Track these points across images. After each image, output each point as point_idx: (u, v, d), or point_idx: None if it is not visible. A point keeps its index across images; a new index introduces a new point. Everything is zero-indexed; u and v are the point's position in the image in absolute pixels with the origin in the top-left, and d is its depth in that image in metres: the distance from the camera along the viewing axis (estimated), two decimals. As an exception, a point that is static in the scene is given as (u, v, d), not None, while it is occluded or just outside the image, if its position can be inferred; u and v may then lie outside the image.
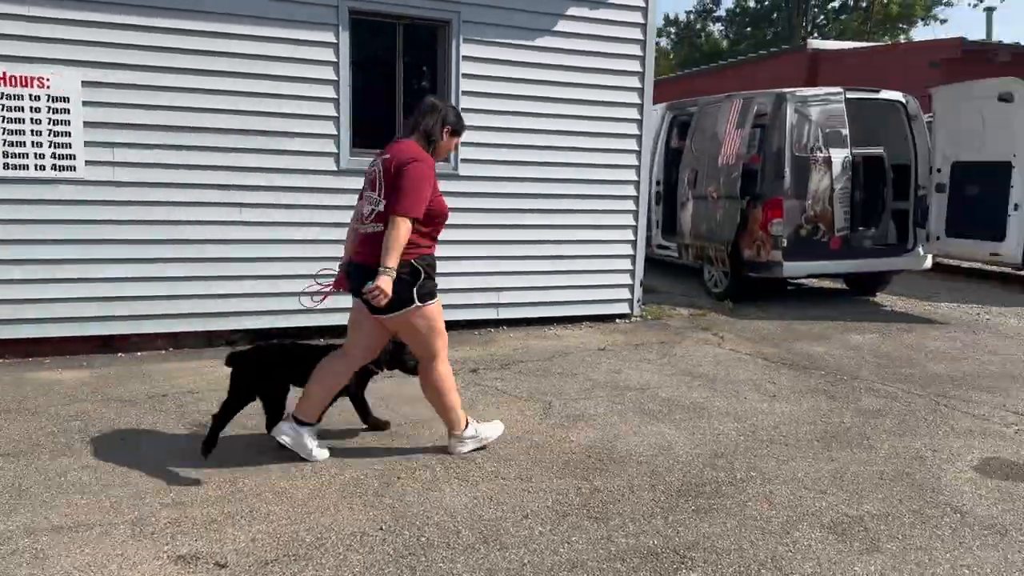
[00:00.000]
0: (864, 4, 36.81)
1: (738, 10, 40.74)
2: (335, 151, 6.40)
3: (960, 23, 64.62)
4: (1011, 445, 4.31)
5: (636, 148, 7.36)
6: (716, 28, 42.66)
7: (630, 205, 7.42)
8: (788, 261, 7.86)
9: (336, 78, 6.35)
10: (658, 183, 9.65)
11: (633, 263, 7.50)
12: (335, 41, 6.33)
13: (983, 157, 7.70)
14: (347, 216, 6.45)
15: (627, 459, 4.02)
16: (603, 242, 7.34)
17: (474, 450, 4.09)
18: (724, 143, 8.38)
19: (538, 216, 7.08)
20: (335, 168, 6.42)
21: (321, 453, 3.94)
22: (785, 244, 7.85)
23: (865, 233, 8.36)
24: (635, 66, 7.24)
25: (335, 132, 6.39)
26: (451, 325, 6.86)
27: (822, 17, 38.86)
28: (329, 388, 3.93)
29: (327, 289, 4.07)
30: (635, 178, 7.39)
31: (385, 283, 3.48)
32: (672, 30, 43.06)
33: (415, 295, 3.65)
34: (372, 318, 3.76)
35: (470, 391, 5.20)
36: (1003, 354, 6.44)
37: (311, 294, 4.47)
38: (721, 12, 41.93)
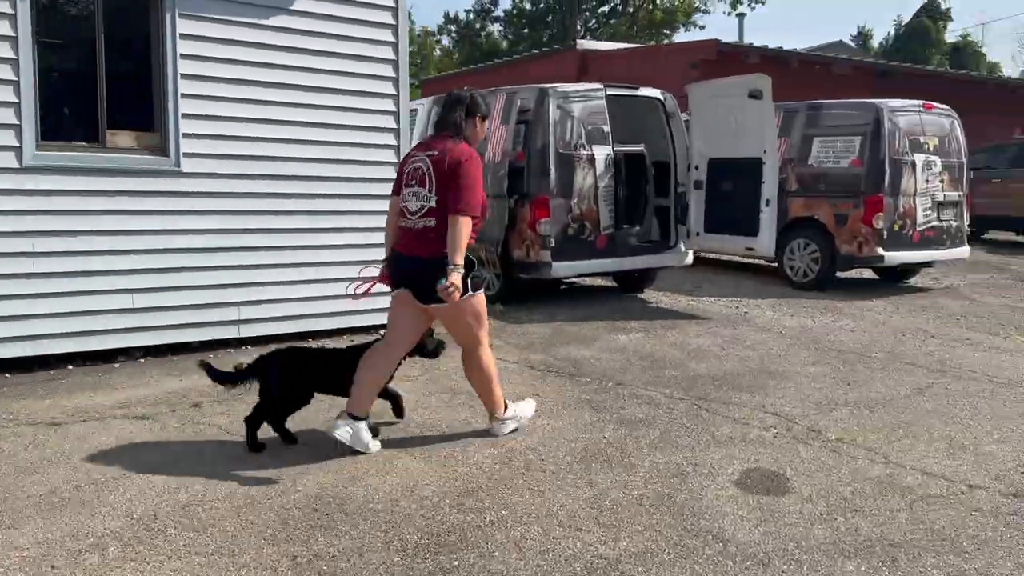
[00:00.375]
0: (631, 9, 38.74)
1: (515, 11, 41.46)
2: (15, 144, 5.23)
3: (719, 28, 70.06)
4: (771, 452, 4.15)
5: (394, 143, 6.75)
6: (496, 28, 43.21)
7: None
8: (557, 261, 7.59)
9: (15, 56, 5.21)
10: (427, 181, 9.11)
11: (395, 268, 6.88)
12: (12, 12, 5.18)
13: (737, 154, 7.85)
14: (38, 223, 5.33)
15: (361, 509, 3.39)
16: (364, 246, 6.64)
17: (514, 430, 4.32)
18: (490, 140, 7.98)
19: (283, 219, 6.27)
20: (16, 165, 5.25)
21: (375, 445, 4.03)
22: (553, 244, 7.58)
23: (630, 231, 8.31)
24: (387, 53, 6.62)
25: (15, 122, 5.23)
26: (180, 348, 6.01)
27: (593, 21, 40.45)
28: (377, 380, 4.07)
29: (367, 284, 4.20)
30: (394, 176, 6.76)
31: (458, 279, 3.74)
32: (453, 28, 43.06)
33: (468, 285, 3.90)
34: (417, 309, 3.99)
35: (187, 429, 4.34)
36: (761, 349, 6.50)
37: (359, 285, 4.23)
38: (499, 12, 42.49)
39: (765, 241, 7.70)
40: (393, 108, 6.69)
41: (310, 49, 6.25)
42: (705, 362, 6.02)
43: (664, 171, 8.48)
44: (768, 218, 7.64)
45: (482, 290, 4.09)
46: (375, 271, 4.28)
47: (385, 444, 4.11)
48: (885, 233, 8.87)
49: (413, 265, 3.93)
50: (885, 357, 6.27)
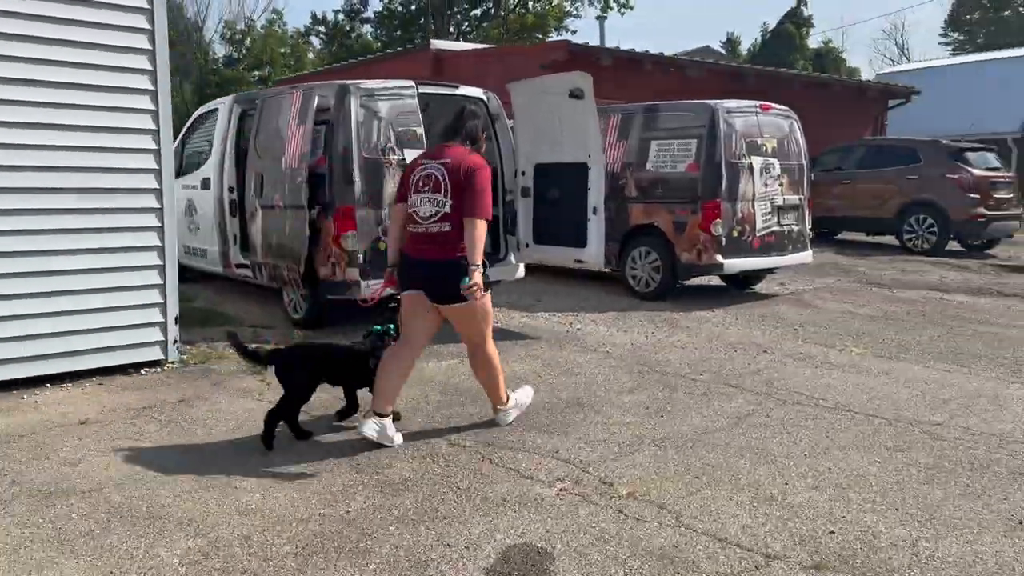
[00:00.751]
0: (503, 13, 38.31)
1: (386, 12, 40.34)
2: None
3: (591, 34, 70.47)
4: (545, 519, 3.44)
5: (154, 147, 5.75)
6: (367, 29, 41.93)
7: (151, 220, 5.79)
8: (368, 280, 6.75)
9: None
10: (231, 190, 8.08)
11: (163, 294, 5.88)
12: None
13: (562, 158, 7.25)
14: None
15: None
16: (113, 269, 5.63)
17: (516, 418, 4.64)
18: (288, 143, 7.06)
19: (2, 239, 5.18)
20: None
21: (399, 438, 4.30)
22: (362, 260, 6.74)
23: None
24: (140, 42, 5.61)
25: None
26: None
27: (466, 24, 39.82)
28: (401, 377, 4.33)
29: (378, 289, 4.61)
30: (155, 185, 5.77)
31: (479, 278, 4.01)
32: (321, 29, 41.49)
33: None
34: (428, 308, 4.26)
35: None
36: (580, 374, 5.87)
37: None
38: (369, 14, 41.25)
39: (594, 252, 7.10)
40: (151, 106, 5.69)
41: (36, 37, 5.19)
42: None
43: (492, 178, 7.77)
44: (596, 227, 7.05)
45: (490, 290, 4.33)
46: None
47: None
48: (724, 240, 8.47)
49: (429, 268, 4.20)
50: (710, 378, 5.75)
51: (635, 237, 9.07)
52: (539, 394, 5.30)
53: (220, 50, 42.73)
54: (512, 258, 7.77)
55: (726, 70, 16.63)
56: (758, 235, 8.75)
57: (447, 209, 4.11)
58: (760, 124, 8.86)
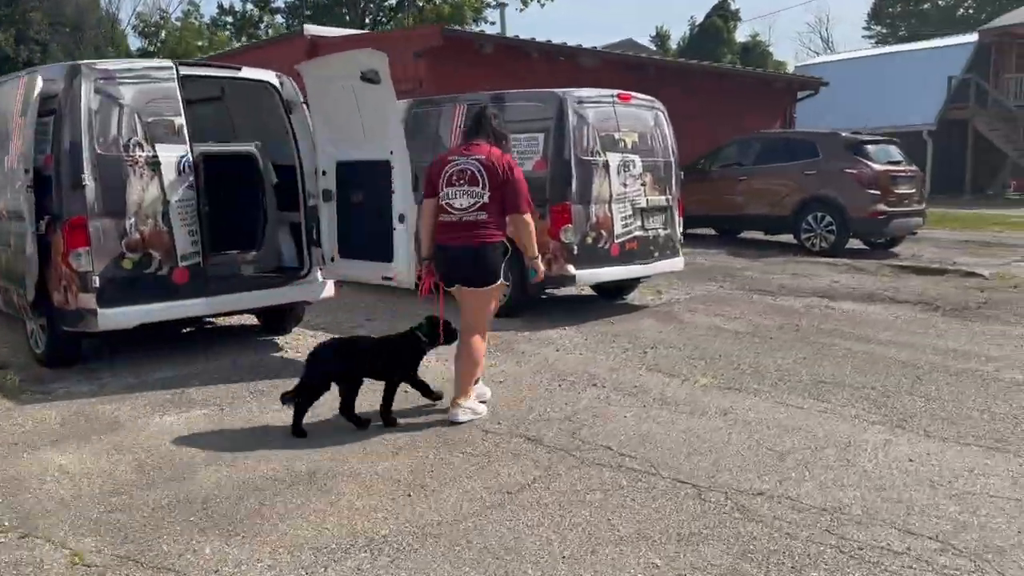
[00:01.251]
0: (420, 3, 36.88)
1: (298, 2, 38.60)
2: None
3: (516, 25, 69.02)
4: None
5: None
6: (279, 19, 40.12)
7: None
8: (109, 308, 5.46)
9: None
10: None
11: None
12: None
13: (364, 155, 6.06)
14: None
15: None
16: None
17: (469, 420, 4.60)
18: (10, 139, 5.72)
19: None
20: None
21: (484, 408, 4.77)
22: (98, 284, 5.44)
23: (235, 259, 6.28)
24: None
25: None
26: None
27: (381, 14, 38.31)
28: (477, 361, 4.69)
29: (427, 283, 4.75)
30: None
31: (542, 266, 4.79)
32: (229, 20, 39.54)
33: (502, 272, 4.71)
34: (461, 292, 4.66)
35: None
36: (344, 427, 4.67)
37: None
38: (281, 3, 39.43)
39: (403, 267, 5.91)
40: None
41: None
42: (209, 477, 4.11)
43: (292, 178, 6.53)
44: (404, 238, 5.86)
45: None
46: None
47: None
48: (575, 248, 7.38)
49: (460, 252, 4.57)
50: (507, 429, 4.62)
51: (483, 244, 7.94)
52: (254, 471, 4.10)
53: (135, 43, 40.58)
54: (318, 274, 6.55)
55: (623, 60, 15.60)
56: (617, 241, 7.67)
57: (485, 200, 4.52)
58: (618, 116, 7.78)
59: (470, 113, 8.04)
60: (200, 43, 39.08)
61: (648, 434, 4.54)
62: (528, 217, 4.60)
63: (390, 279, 6.09)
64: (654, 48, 44.82)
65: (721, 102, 17.41)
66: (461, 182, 4.56)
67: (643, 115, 8.05)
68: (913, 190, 12.70)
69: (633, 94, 8.05)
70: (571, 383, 5.57)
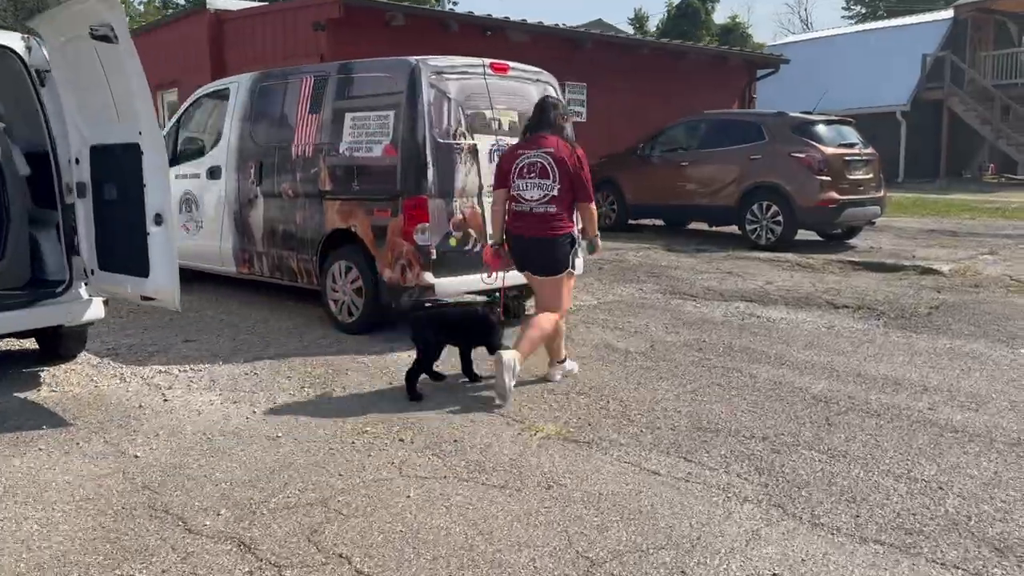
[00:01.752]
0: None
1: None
2: None
3: (486, 4, 66.65)
4: None
5: None
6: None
7: None
8: None
9: None
10: None
11: None
12: None
13: (117, 138, 4.70)
14: None
15: None
16: None
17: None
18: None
19: None
20: None
21: (573, 364, 5.25)
22: None
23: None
24: None
25: None
26: None
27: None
28: (545, 330, 4.86)
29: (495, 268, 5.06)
30: None
31: (599, 244, 5.20)
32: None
33: (572, 260, 4.97)
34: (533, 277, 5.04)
35: None
36: (51, 506, 3.33)
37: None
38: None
39: (163, 282, 4.57)
40: None
41: None
42: None
43: (45, 168, 5.14)
44: (162, 245, 4.52)
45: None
46: None
47: None
48: (434, 252, 6.04)
49: (534, 243, 4.89)
50: (221, 528, 3.28)
51: (335, 247, 6.59)
52: None
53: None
54: (82, 290, 5.16)
55: (557, 34, 14.16)
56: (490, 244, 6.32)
57: (554, 192, 4.76)
58: (490, 90, 6.41)
59: (315, 88, 6.76)
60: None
61: (419, 533, 3.20)
62: (593, 206, 4.94)
63: (152, 299, 4.72)
64: (632, 31, 43.20)
65: (672, 80, 16.08)
66: (531, 175, 4.80)
67: (526, 89, 6.65)
68: (870, 175, 11.38)
69: (512, 64, 6.68)
70: (372, 433, 4.22)
